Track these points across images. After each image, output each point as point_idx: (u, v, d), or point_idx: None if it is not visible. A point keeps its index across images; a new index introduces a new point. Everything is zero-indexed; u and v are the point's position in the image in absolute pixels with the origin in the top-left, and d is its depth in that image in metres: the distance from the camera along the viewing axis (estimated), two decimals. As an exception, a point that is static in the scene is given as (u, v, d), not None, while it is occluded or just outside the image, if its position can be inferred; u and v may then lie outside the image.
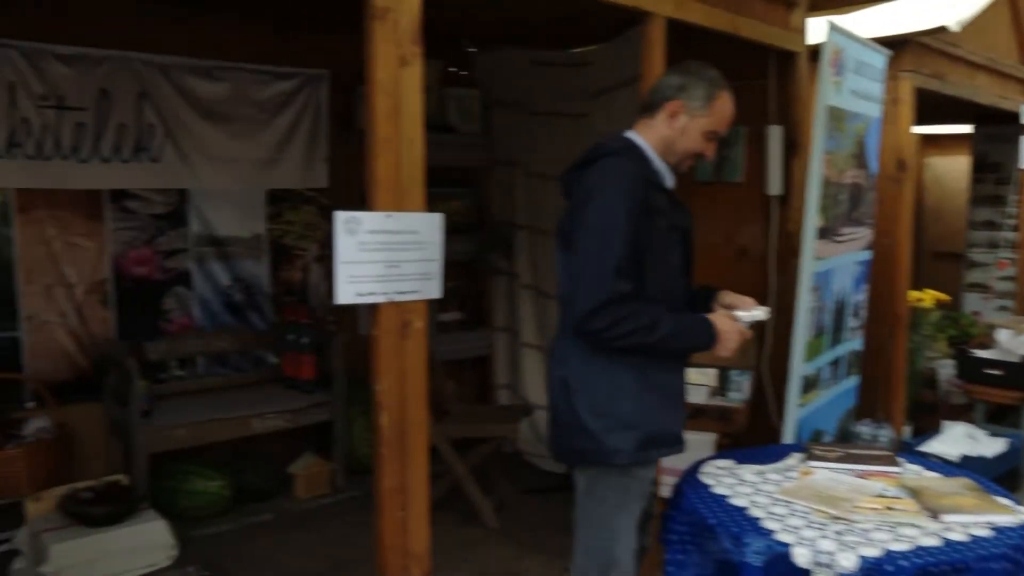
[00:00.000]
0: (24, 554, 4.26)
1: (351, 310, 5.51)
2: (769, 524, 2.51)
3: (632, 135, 2.78)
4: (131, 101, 5.06)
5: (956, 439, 5.27)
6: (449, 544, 4.53)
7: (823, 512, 2.59)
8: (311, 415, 5.34)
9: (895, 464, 3.04)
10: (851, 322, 4.42)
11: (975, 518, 2.55)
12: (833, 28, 3.79)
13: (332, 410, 5.39)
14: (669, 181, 2.79)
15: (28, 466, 4.47)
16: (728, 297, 2.90)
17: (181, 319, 5.51)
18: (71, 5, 4.80)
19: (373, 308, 2.80)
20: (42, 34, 4.74)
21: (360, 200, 2.82)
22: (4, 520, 4.44)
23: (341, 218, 2.69)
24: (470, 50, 6.30)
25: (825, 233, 3.94)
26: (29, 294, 4.97)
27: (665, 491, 3.18)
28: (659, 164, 2.75)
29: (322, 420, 5.39)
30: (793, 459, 3.12)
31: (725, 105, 2.75)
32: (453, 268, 5.45)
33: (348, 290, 2.71)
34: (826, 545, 2.34)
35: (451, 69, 6.21)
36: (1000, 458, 5.20)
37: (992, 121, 7.50)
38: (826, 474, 2.93)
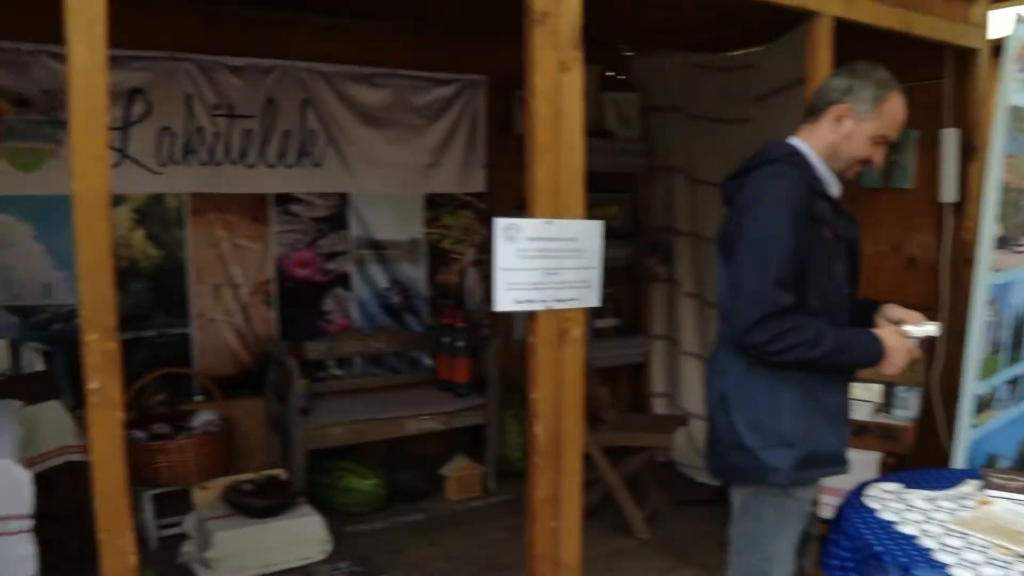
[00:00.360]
0: (192, 538, 4.46)
1: (507, 314, 5.51)
2: (942, 557, 2.30)
3: (795, 141, 2.65)
4: (295, 108, 5.27)
5: None
6: (599, 554, 4.47)
7: (1005, 548, 2.35)
8: (464, 418, 5.37)
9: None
10: (1033, 338, 4.12)
11: None
12: (1020, 20, 3.55)
13: (485, 413, 5.41)
14: (834, 189, 2.65)
15: (196, 456, 4.66)
16: (895, 311, 2.72)
17: (340, 320, 5.65)
18: (241, 19, 5.03)
19: (530, 315, 2.77)
20: (216, 47, 5.00)
21: (517, 205, 2.80)
22: (175, 505, 4.66)
23: (501, 225, 2.67)
24: (627, 54, 6.24)
25: (1004, 243, 3.68)
26: (199, 293, 5.20)
27: (827, 512, 3.03)
28: (824, 171, 2.62)
29: (475, 423, 5.42)
30: (968, 486, 2.87)
31: (895, 108, 2.59)
32: (609, 274, 5.36)
33: (507, 297, 2.69)
34: (1009, 586, 2.12)
35: (608, 73, 6.16)
36: None
37: None
38: (1007, 505, 2.66)
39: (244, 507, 4.41)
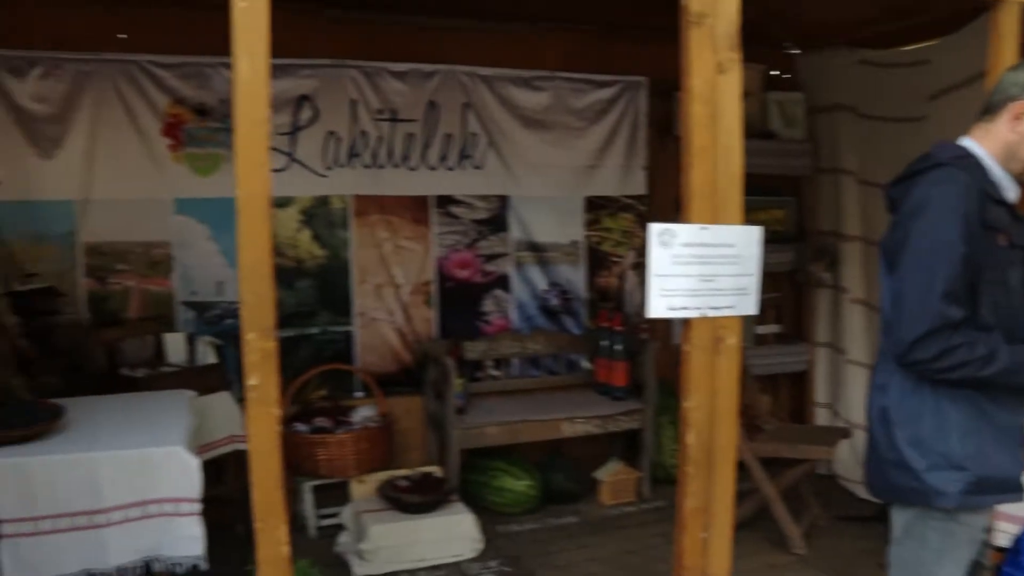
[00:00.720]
0: (348, 529, 4.59)
1: (666, 319, 5.45)
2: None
3: (967, 142, 2.47)
4: (456, 112, 5.38)
5: None
6: (752, 568, 4.35)
7: None
8: (620, 422, 5.32)
9: None
10: None
11: None
12: None
13: (641, 418, 5.35)
14: (1011, 193, 2.44)
15: (355, 451, 4.80)
16: None
17: (499, 321, 5.71)
18: (401, 27, 5.18)
19: (685, 322, 2.71)
20: (378, 54, 5.17)
21: (678, 208, 2.75)
22: (333, 497, 4.82)
23: (655, 230, 2.62)
24: (793, 52, 6.04)
25: None
26: (361, 293, 5.36)
27: (1001, 540, 2.83)
28: (999, 174, 2.42)
29: (631, 428, 5.36)
30: None
31: None
32: (772, 279, 5.26)
33: (660, 304, 2.65)
34: None
35: (773, 72, 5.98)
36: None
37: None
38: None
39: (399, 502, 4.52)
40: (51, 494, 3.19)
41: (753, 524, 4.75)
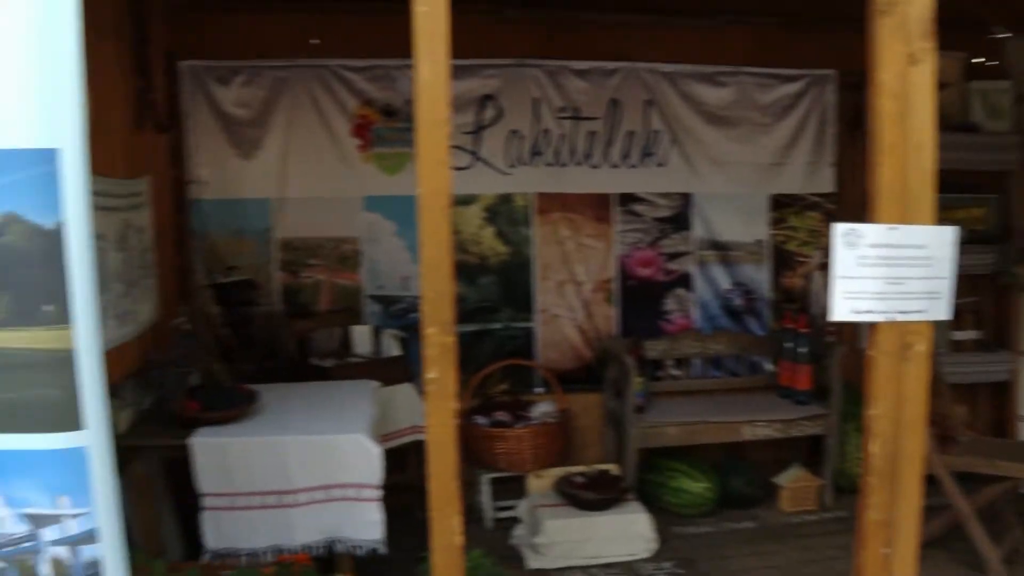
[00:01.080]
0: (523, 523, 4.67)
1: (853, 321, 5.25)
2: None
3: None
4: (639, 109, 5.37)
5: None
6: (940, 587, 4.14)
7: None
8: (803, 427, 5.17)
9: None
10: None
11: None
12: None
13: (826, 424, 5.17)
14: None
15: (533, 446, 4.87)
16: None
17: (680, 320, 5.65)
18: (582, 25, 5.20)
19: (870, 326, 2.62)
20: (559, 53, 5.22)
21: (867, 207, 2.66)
22: (510, 490, 4.91)
23: (839, 231, 2.54)
24: (1001, 36, 5.66)
25: None
26: (543, 290, 5.45)
27: None
28: None
29: (814, 433, 5.20)
30: None
31: None
32: (970, 282, 4.98)
33: (844, 306, 2.56)
34: None
35: (976, 60, 5.62)
36: None
37: None
38: None
39: (575, 498, 4.55)
40: (246, 473, 3.43)
41: (944, 543, 4.49)
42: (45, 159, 1.84)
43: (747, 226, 5.69)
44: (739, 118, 5.49)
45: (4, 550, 1.95)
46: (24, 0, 1.84)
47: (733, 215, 5.65)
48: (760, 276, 5.74)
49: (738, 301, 5.73)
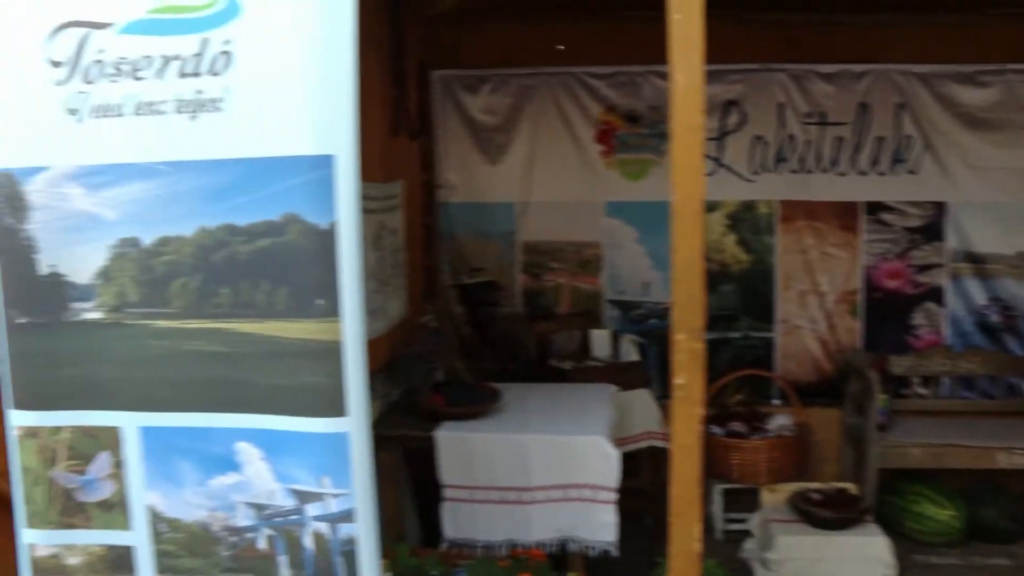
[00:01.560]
0: (754, 537, 4.58)
1: None
2: None
3: None
4: (890, 113, 5.14)
5: None
6: None
7: None
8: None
9: None
10: None
11: None
12: None
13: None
14: None
15: (768, 458, 4.79)
16: None
17: (929, 335, 5.37)
18: (827, 27, 5.04)
19: None
20: (804, 56, 5.09)
21: None
22: (742, 502, 4.84)
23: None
24: None
25: None
26: (785, 299, 5.34)
27: None
28: None
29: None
30: None
31: None
32: None
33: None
34: None
35: None
36: None
37: None
38: None
39: (810, 515, 4.41)
40: (487, 468, 3.59)
41: None
42: (322, 164, 1.99)
43: (1008, 237, 5.30)
44: (1003, 121, 5.11)
45: (275, 519, 2.13)
46: (312, 16, 2.00)
47: (992, 225, 5.29)
48: (1022, 292, 5.35)
49: (995, 318, 5.36)
